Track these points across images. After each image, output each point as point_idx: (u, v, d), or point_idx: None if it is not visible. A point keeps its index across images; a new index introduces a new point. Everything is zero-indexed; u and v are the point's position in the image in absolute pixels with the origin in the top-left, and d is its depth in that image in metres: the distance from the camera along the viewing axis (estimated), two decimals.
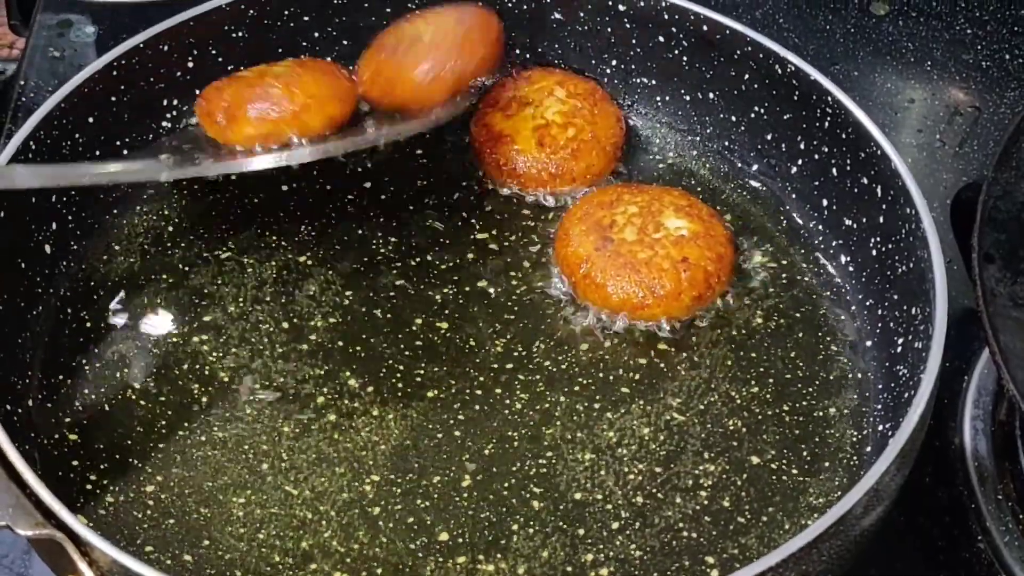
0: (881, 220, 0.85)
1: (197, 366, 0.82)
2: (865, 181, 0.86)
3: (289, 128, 0.82)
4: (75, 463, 0.77)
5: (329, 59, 0.92)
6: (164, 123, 0.93)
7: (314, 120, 0.83)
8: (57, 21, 1.12)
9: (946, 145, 1.06)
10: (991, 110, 1.08)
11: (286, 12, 0.94)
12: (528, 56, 0.98)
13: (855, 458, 0.79)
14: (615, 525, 0.76)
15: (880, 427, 0.79)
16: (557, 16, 0.96)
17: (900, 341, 0.81)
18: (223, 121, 0.83)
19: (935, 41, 1.13)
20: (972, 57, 1.12)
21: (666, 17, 0.93)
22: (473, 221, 0.91)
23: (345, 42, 0.97)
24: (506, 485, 0.78)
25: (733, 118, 0.94)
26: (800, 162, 0.91)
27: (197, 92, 0.92)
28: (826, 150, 0.89)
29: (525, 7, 0.96)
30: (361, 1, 0.95)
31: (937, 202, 0.99)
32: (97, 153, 0.88)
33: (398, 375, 0.82)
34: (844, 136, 0.87)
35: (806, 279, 0.88)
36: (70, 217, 0.87)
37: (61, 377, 0.81)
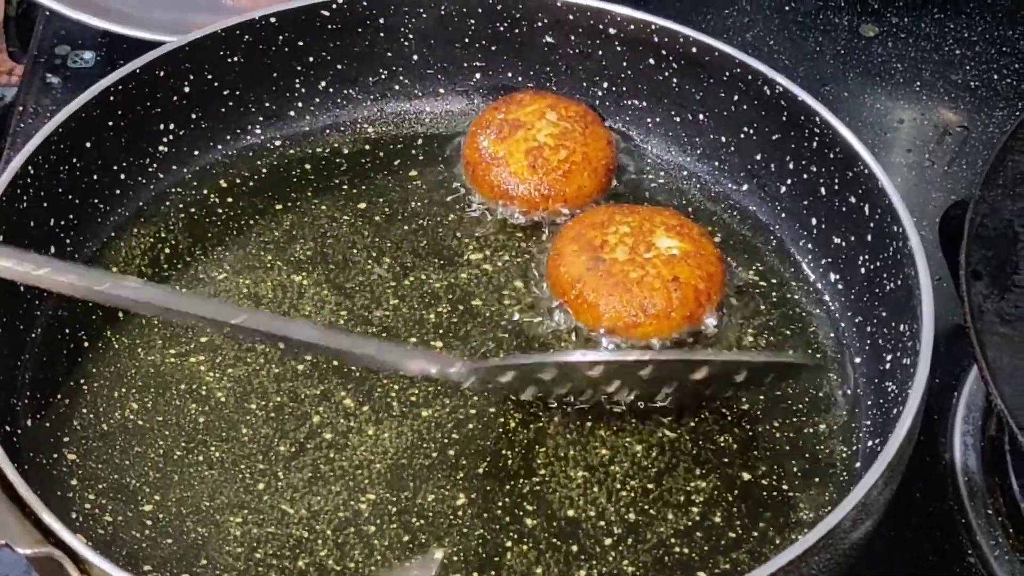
0: (869, 238, 0.85)
1: (194, 386, 0.83)
2: (853, 200, 0.87)
3: None
4: (74, 483, 0.78)
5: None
6: (161, 147, 0.94)
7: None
8: (55, 48, 1.13)
9: (935, 164, 1.07)
10: (980, 129, 1.09)
11: (280, 37, 0.95)
12: (520, 79, 0.99)
13: (845, 473, 0.80)
14: (608, 541, 0.77)
15: (869, 442, 0.80)
16: (548, 39, 0.97)
17: (889, 358, 0.81)
18: None
19: (924, 62, 1.15)
20: (961, 77, 1.13)
21: (656, 40, 0.94)
22: (467, 241, 0.92)
23: (339, 66, 0.98)
24: (500, 503, 0.78)
25: (723, 138, 0.95)
26: (789, 181, 0.92)
27: (193, 116, 0.94)
28: (815, 169, 0.90)
29: (516, 31, 0.97)
30: (355, 26, 0.96)
31: (927, 221, 1.00)
32: (95, 177, 0.90)
33: (393, 394, 0.83)
34: (832, 156, 0.88)
35: (796, 297, 0.89)
36: (68, 240, 0.88)
37: (59, 397, 0.82)
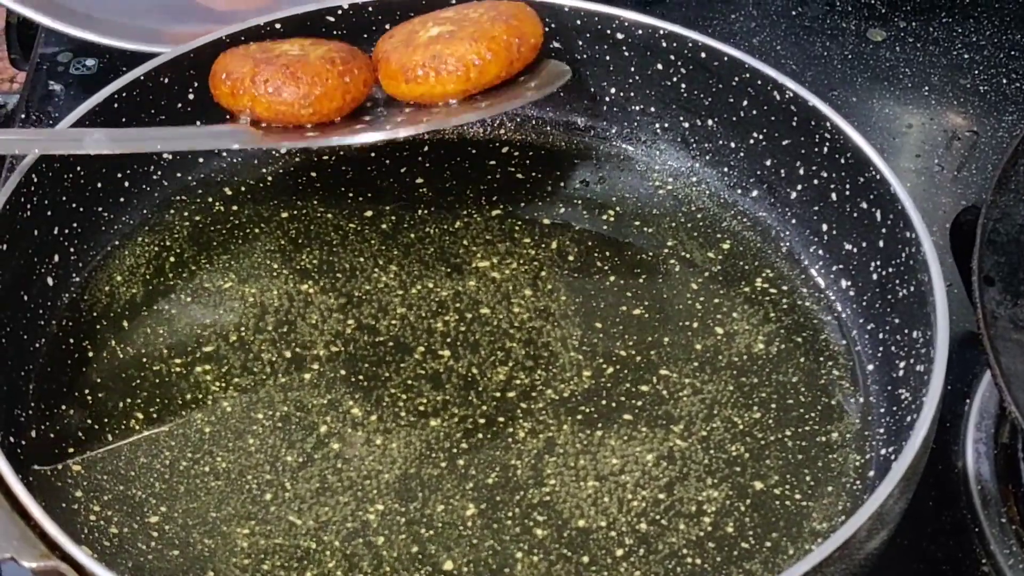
0: (881, 244, 0.85)
1: (199, 396, 0.82)
2: (864, 205, 0.86)
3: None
4: (79, 494, 0.77)
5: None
6: (165, 155, 0.93)
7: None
8: (57, 55, 1.13)
9: (944, 169, 1.06)
10: (989, 134, 1.09)
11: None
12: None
13: (858, 482, 0.79)
14: (619, 552, 0.76)
15: (883, 451, 0.79)
16: (555, 45, 0.96)
17: (902, 365, 0.81)
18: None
19: (932, 66, 1.14)
20: (969, 82, 1.13)
21: (664, 45, 0.94)
22: (475, 249, 0.91)
23: None
24: (509, 514, 0.78)
25: (732, 144, 0.94)
26: (800, 187, 0.91)
27: (198, 123, 0.93)
28: (825, 175, 0.89)
29: None
30: (360, 31, 0.96)
31: (936, 226, 1.00)
32: (99, 185, 0.89)
33: (400, 404, 0.82)
34: (843, 161, 0.87)
35: (807, 304, 0.89)
36: (72, 249, 0.88)
37: (64, 408, 0.81)
